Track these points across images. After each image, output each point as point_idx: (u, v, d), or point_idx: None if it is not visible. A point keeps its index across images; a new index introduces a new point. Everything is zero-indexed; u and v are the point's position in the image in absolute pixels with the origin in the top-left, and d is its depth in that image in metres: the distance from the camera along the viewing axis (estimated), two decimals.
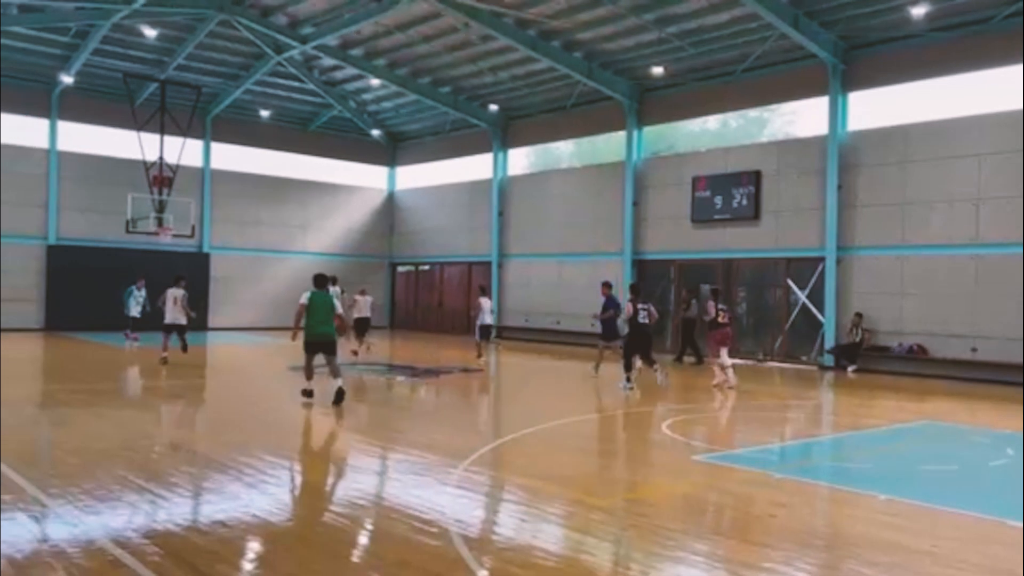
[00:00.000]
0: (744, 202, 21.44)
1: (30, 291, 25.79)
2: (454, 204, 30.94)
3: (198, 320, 26.89)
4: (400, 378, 15.75)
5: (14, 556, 5.00)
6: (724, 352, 15.16)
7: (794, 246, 20.60)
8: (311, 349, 11.73)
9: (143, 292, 22.07)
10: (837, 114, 19.53)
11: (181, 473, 7.36)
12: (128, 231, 24.44)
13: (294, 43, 23.97)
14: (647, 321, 14.48)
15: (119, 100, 25.53)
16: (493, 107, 27.38)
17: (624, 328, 15.20)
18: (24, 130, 25.96)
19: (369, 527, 6.03)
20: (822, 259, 19.92)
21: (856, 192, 19.36)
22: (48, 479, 6.98)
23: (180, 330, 17.40)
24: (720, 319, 15.22)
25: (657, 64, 21.84)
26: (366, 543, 5.75)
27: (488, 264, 29.04)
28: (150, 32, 23.01)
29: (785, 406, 13.53)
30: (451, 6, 20.18)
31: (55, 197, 26.30)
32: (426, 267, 32.73)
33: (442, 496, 6.72)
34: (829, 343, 19.65)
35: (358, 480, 7.38)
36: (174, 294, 17.36)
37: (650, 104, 24.18)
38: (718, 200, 22.00)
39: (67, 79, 25.07)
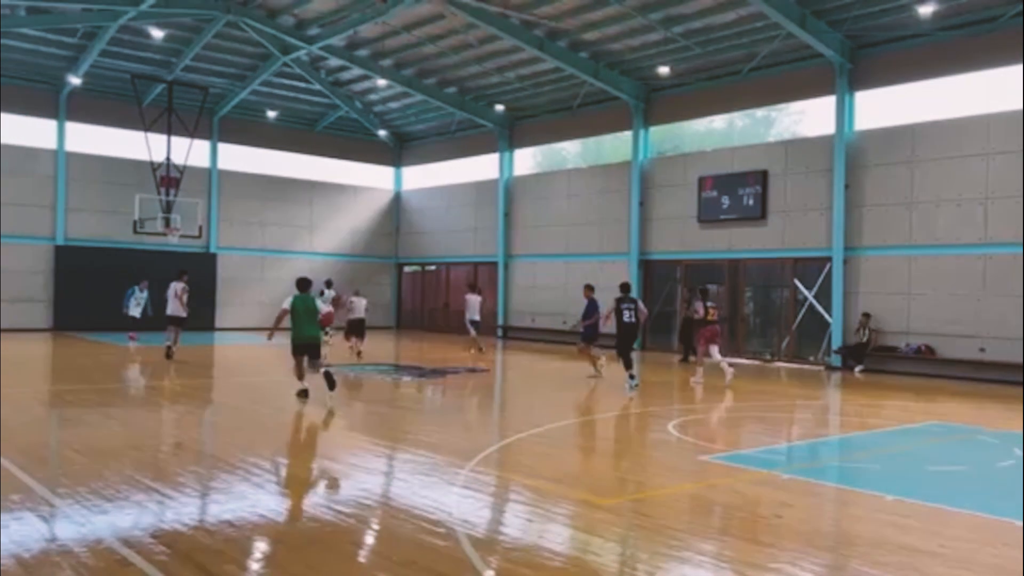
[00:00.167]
0: (751, 202, 21.41)
1: (38, 291, 25.92)
2: (460, 204, 30.95)
3: (205, 320, 27.12)
4: (406, 378, 15.76)
5: (22, 555, 5.02)
6: (714, 350, 15.48)
7: (801, 246, 20.56)
8: (298, 351, 12.13)
9: (145, 293, 22.06)
10: (844, 113, 19.48)
11: (188, 473, 7.38)
12: (136, 232, 24.51)
13: (301, 44, 24.02)
14: (632, 320, 14.76)
15: (127, 101, 25.63)
16: (499, 107, 27.39)
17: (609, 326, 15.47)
18: (32, 131, 26.10)
19: (376, 527, 6.04)
20: (829, 259, 19.87)
21: (863, 192, 19.30)
22: (56, 479, 7.01)
23: (179, 323, 17.71)
24: (709, 317, 15.47)
25: (663, 64, 21.82)
26: (373, 543, 5.76)
27: (494, 264, 29.05)
28: (157, 33, 23.09)
29: (792, 406, 13.49)
30: (456, 6, 20.19)
31: (63, 198, 26.40)
32: (432, 267, 32.76)
33: (449, 496, 6.73)
34: (836, 343, 19.59)
35: (365, 480, 7.39)
36: (175, 288, 17.87)
37: (656, 104, 24.15)
38: (725, 200, 21.97)
39: (75, 80, 25.17)
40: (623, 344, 14.86)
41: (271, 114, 29.99)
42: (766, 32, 19.52)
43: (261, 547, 5.51)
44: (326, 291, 22.58)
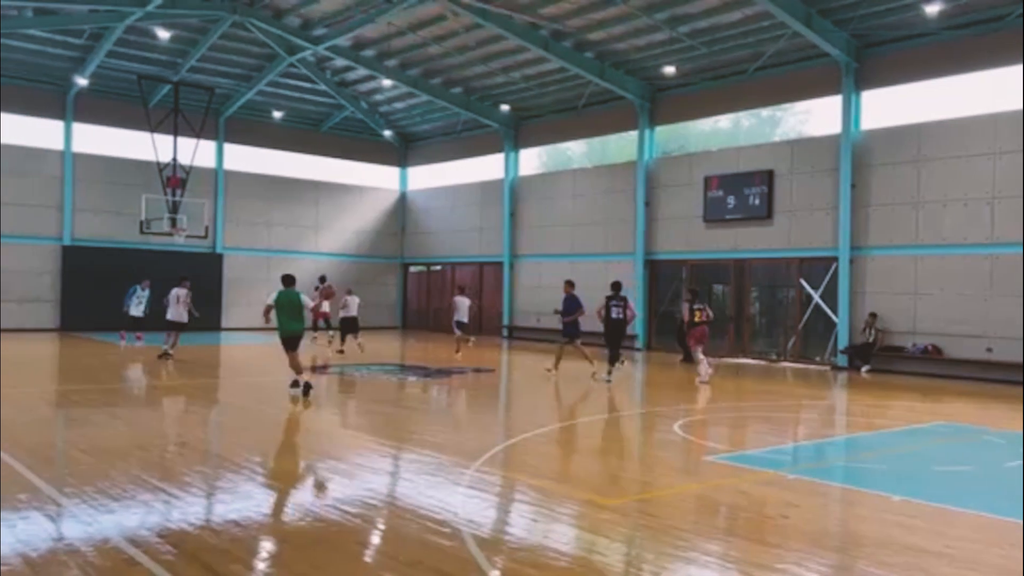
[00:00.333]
0: (757, 202, 21.37)
1: (45, 291, 26.01)
2: (465, 205, 30.97)
3: (211, 320, 27.15)
4: (412, 378, 15.77)
5: (30, 554, 5.04)
6: (699, 350, 15.93)
7: (807, 246, 20.52)
8: (285, 346, 12.67)
9: (147, 292, 22.09)
10: (850, 113, 19.43)
11: (194, 472, 7.40)
12: (142, 232, 24.61)
13: (306, 44, 24.06)
14: (620, 317, 15.33)
15: (133, 102, 25.70)
16: (504, 107, 27.39)
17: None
18: (39, 132, 26.21)
19: (381, 527, 6.04)
20: (835, 259, 19.82)
21: (869, 191, 19.25)
22: (63, 478, 7.04)
23: (179, 328, 17.90)
24: (697, 318, 15.91)
25: (669, 64, 21.80)
26: (379, 543, 5.76)
27: (499, 264, 29.06)
28: (164, 34, 23.17)
29: (798, 406, 13.47)
30: (460, 6, 20.20)
31: (70, 198, 26.50)
32: (438, 268, 32.77)
33: (454, 496, 6.73)
34: (842, 343, 19.55)
35: (370, 480, 7.40)
36: (177, 293, 18.03)
37: (662, 104, 24.13)
38: (730, 200, 21.93)
39: (82, 81, 25.26)
40: (610, 339, 15.41)
41: (277, 114, 30.05)
42: (772, 31, 19.48)
43: (267, 547, 5.52)
44: (320, 287, 22.66)
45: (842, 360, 19.49)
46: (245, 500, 6.53)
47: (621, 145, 26.19)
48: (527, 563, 5.12)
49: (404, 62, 25.69)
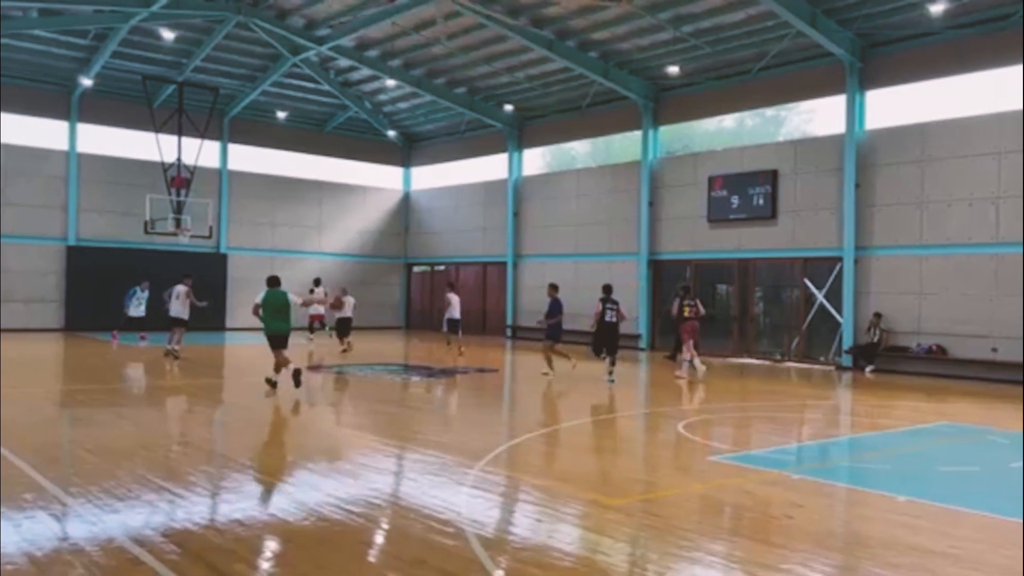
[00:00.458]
0: (761, 201, 21.34)
1: (50, 291, 26.07)
2: (469, 205, 30.97)
3: (215, 320, 27.20)
4: (416, 378, 15.78)
5: (35, 554, 5.06)
6: (690, 344, 16.27)
7: (811, 246, 20.48)
8: (272, 344, 12.98)
9: (146, 293, 22.14)
10: (854, 112, 19.40)
11: (199, 472, 7.41)
12: (147, 232, 24.66)
13: (310, 45, 24.09)
14: (614, 320, 15.45)
15: (137, 102, 25.75)
16: (508, 107, 27.39)
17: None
18: (45, 132, 26.27)
19: (385, 526, 6.05)
20: (839, 259, 19.79)
21: (874, 191, 19.22)
22: (68, 478, 7.05)
23: (182, 324, 18.12)
24: (685, 314, 16.36)
25: (673, 63, 21.78)
26: (382, 542, 5.77)
27: (503, 265, 29.06)
28: (168, 34, 23.21)
29: (802, 406, 13.45)
30: (462, 7, 20.21)
31: (75, 199, 26.55)
32: (441, 267, 32.78)
33: (458, 496, 6.73)
34: (847, 343, 19.51)
35: (374, 480, 7.40)
36: (179, 290, 18.27)
37: (666, 104, 24.11)
38: (735, 200, 21.91)
39: (86, 82, 25.31)
40: (605, 341, 15.57)
41: (281, 115, 30.09)
42: (776, 31, 19.46)
43: (271, 546, 5.52)
44: (316, 289, 22.78)
45: (846, 360, 19.46)
46: (249, 500, 6.54)
47: (625, 145, 26.18)
48: (531, 563, 5.11)
49: (408, 62, 25.71)
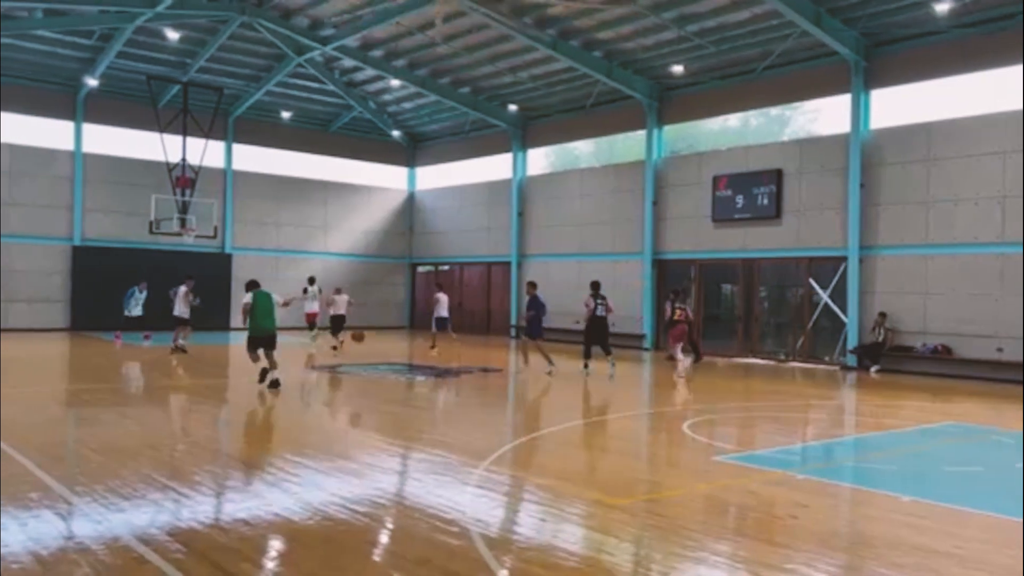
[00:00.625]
0: (765, 201, 21.32)
1: (56, 291, 26.14)
2: (473, 204, 30.98)
3: (220, 320, 27.25)
4: (420, 378, 15.79)
5: (41, 552, 5.07)
6: (678, 347, 16.82)
7: (816, 245, 20.45)
8: (255, 345, 13.26)
9: (144, 294, 22.22)
10: (859, 112, 19.36)
11: (204, 472, 7.42)
12: (152, 232, 24.72)
13: (315, 44, 24.11)
14: (604, 314, 16.07)
15: (142, 102, 25.81)
16: (512, 107, 27.39)
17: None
18: (50, 132, 26.35)
19: (390, 526, 6.06)
20: (844, 258, 19.75)
21: (879, 190, 19.18)
22: (74, 477, 7.07)
23: (185, 323, 19.15)
24: (676, 317, 16.85)
25: (677, 63, 21.76)
26: (387, 542, 5.77)
27: (507, 264, 29.06)
28: (173, 35, 23.25)
29: (807, 406, 13.43)
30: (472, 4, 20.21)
31: (80, 199, 26.62)
32: (446, 267, 32.79)
33: (463, 495, 6.74)
34: (852, 343, 19.48)
35: (379, 479, 7.41)
36: (180, 290, 19.31)
37: (670, 103, 24.09)
38: (739, 199, 21.88)
39: (92, 82, 25.37)
40: (596, 335, 16.15)
41: (285, 115, 30.13)
42: (780, 30, 19.43)
43: (276, 545, 5.54)
44: (310, 288, 22.85)
45: (851, 360, 19.42)
46: (254, 499, 6.55)
47: (629, 145, 26.16)
48: (536, 563, 5.12)
49: (412, 62, 25.72)
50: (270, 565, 5.22)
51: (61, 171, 26.44)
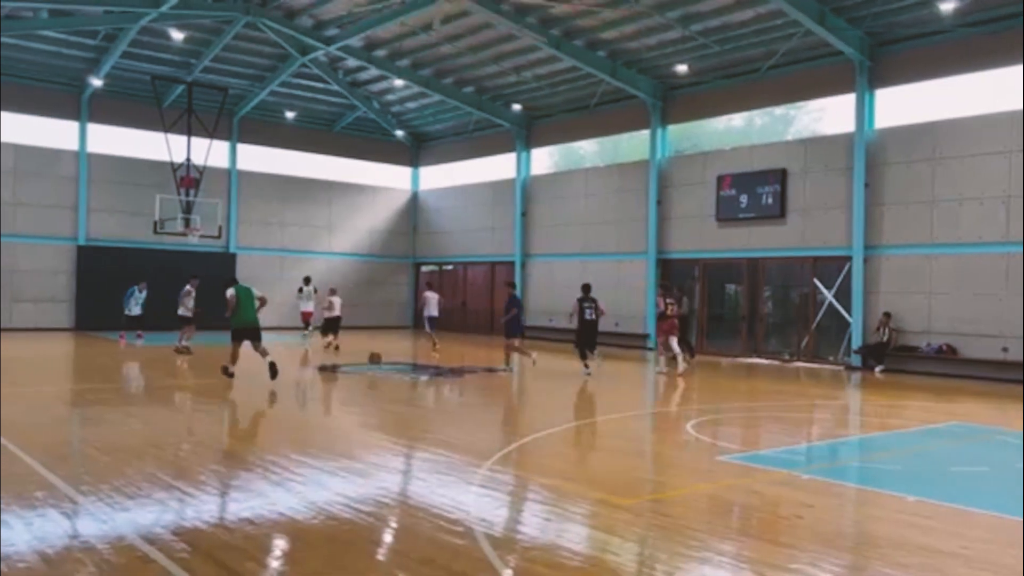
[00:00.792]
0: (770, 201, 21.29)
1: (60, 291, 26.20)
2: (477, 204, 30.99)
3: (224, 319, 27.19)
4: (424, 378, 15.80)
5: (46, 551, 5.08)
6: (673, 341, 16.95)
7: (820, 245, 20.42)
8: (239, 336, 13.84)
9: (144, 294, 22.28)
10: (864, 111, 19.33)
11: (208, 471, 7.43)
12: (156, 232, 24.75)
13: (319, 45, 24.13)
14: (592, 317, 16.40)
15: (147, 102, 25.85)
16: (516, 107, 27.40)
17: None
18: (55, 133, 26.42)
19: (394, 525, 6.06)
20: (849, 258, 19.72)
21: (884, 190, 19.15)
22: (79, 476, 7.08)
23: (187, 321, 19.45)
24: (668, 312, 16.99)
25: (681, 62, 21.75)
26: (391, 541, 5.78)
27: (511, 264, 29.06)
28: (177, 35, 23.30)
29: (811, 406, 13.41)
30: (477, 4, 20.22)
31: (85, 199, 26.68)
32: (449, 267, 32.81)
33: (466, 495, 6.74)
34: (856, 343, 19.45)
35: (383, 479, 7.42)
36: (185, 290, 19.69)
37: (674, 103, 24.07)
38: (743, 199, 21.86)
39: (96, 82, 25.42)
40: (585, 338, 16.44)
41: (289, 115, 30.17)
42: (785, 30, 19.40)
43: (280, 544, 5.54)
44: (305, 287, 22.86)
45: (856, 360, 19.39)
46: (259, 498, 6.56)
47: (633, 144, 26.15)
48: (540, 562, 5.12)
49: (416, 62, 25.73)
50: (275, 564, 5.22)
51: (66, 171, 26.50)
